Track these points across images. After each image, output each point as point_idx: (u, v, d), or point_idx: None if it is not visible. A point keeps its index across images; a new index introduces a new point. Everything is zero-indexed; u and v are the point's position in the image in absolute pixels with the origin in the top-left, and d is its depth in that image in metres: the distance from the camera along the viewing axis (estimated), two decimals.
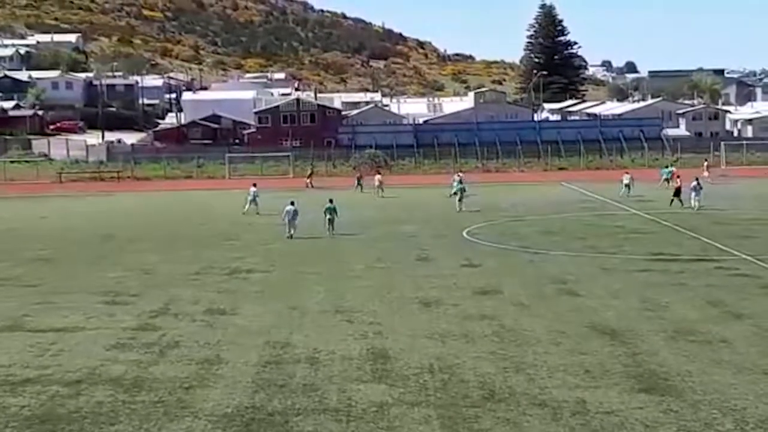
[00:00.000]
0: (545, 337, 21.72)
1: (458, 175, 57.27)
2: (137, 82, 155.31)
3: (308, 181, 71.75)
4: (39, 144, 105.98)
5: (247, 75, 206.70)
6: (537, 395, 17.38)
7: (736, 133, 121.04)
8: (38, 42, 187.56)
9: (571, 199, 57.73)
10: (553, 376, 18.53)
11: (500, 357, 20.06)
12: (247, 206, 50.23)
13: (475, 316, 24.21)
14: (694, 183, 50.27)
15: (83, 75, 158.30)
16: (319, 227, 41.63)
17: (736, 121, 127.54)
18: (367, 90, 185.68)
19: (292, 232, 40.89)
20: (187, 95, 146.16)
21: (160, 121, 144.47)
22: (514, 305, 25.55)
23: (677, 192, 51.21)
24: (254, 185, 52.10)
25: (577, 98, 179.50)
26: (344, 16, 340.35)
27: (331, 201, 42.12)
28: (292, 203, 41.75)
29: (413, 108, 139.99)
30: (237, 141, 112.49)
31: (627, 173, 59.21)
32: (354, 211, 50.12)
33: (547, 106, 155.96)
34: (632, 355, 20.02)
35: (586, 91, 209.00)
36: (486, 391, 17.69)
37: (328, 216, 41.35)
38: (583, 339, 21.48)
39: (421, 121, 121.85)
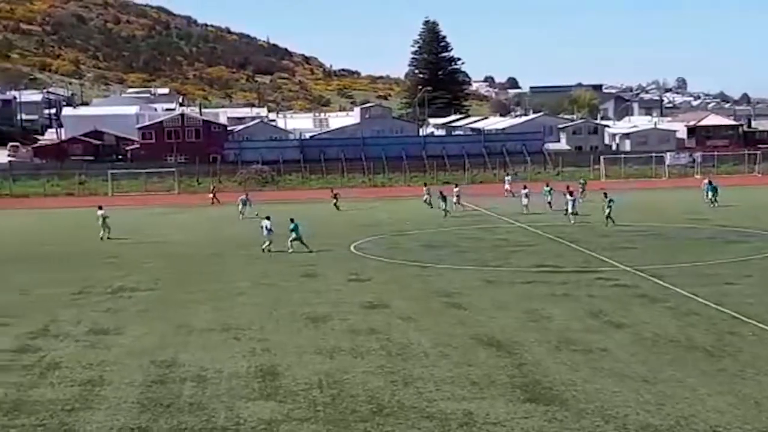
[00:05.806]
0: (432, 350, 21.89)
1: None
2: (15, 97, 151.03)
3: (212, 197, 71.34)
4: None
5: (130, 90, 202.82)
6: (425, 408, 17.48)
7: (614, 147, 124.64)
8: None
9: (457, 212, 58.38)
10: (440, 389, 18.67)
11: (388, 371, 20.12)
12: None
13: (363, 330, 24.25)
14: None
15: None
16: (204, 244, 41.02)
17: (614, 135, 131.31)
18: (252, 105, 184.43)
19: (268, 245, 40.88)
20: (67, 110, 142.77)
21: (39, 137, 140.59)
22: (402, 319, 25.67)
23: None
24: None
25: (461, 113, 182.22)
26: (229, 31, 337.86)
27: (292, 220, 41.61)
28: (268, 218, 41.86)
29: (299, 123, 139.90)
30: (120, 157, 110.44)
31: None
32: (236, 228, 49.87)
33: (432, 121, 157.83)
34: (517, 365, 20.33)
35: (469, 106, 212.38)
36: (375, 406, 17.71)
37: (294, 234, 40.99)
38: (470, 351, 21.72)
39: (307, 136, 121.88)
